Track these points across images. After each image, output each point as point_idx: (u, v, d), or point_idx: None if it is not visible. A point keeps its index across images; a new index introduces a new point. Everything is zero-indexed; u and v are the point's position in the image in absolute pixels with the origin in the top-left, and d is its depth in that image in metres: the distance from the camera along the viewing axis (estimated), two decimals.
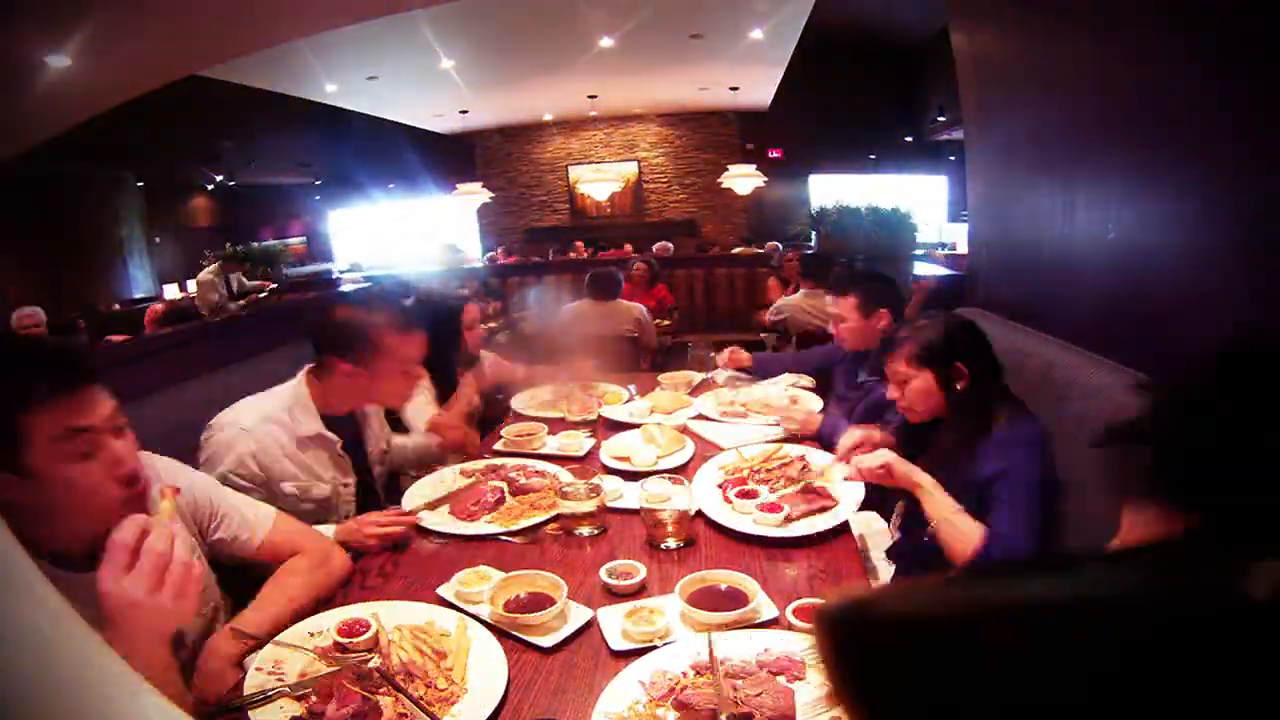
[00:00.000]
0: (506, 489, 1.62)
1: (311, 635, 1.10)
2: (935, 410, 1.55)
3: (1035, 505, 1.37)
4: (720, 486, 1.60)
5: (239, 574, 1.30)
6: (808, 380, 2.35)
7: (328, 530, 1.42)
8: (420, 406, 2.12)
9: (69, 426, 0.92)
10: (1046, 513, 1.39)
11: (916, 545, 1.50)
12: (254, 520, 1.28)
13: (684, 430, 1.96)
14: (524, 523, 1.49)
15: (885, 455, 1.46)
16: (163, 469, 1.18)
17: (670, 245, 7.39)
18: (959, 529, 1.36)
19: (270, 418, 1.51)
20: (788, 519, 1.41)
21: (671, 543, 1.37)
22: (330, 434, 1.57)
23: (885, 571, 1.60)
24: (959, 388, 1.51)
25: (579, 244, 8.46)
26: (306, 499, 1.53)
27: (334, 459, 1.60)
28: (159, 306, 4.10)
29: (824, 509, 1.48)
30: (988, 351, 1.55)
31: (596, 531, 1.45)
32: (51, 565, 0.96)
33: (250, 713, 0.94)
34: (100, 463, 0.95)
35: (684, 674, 0.98)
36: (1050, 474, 1.43)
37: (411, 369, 1.62)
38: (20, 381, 0.91)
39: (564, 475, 1.59)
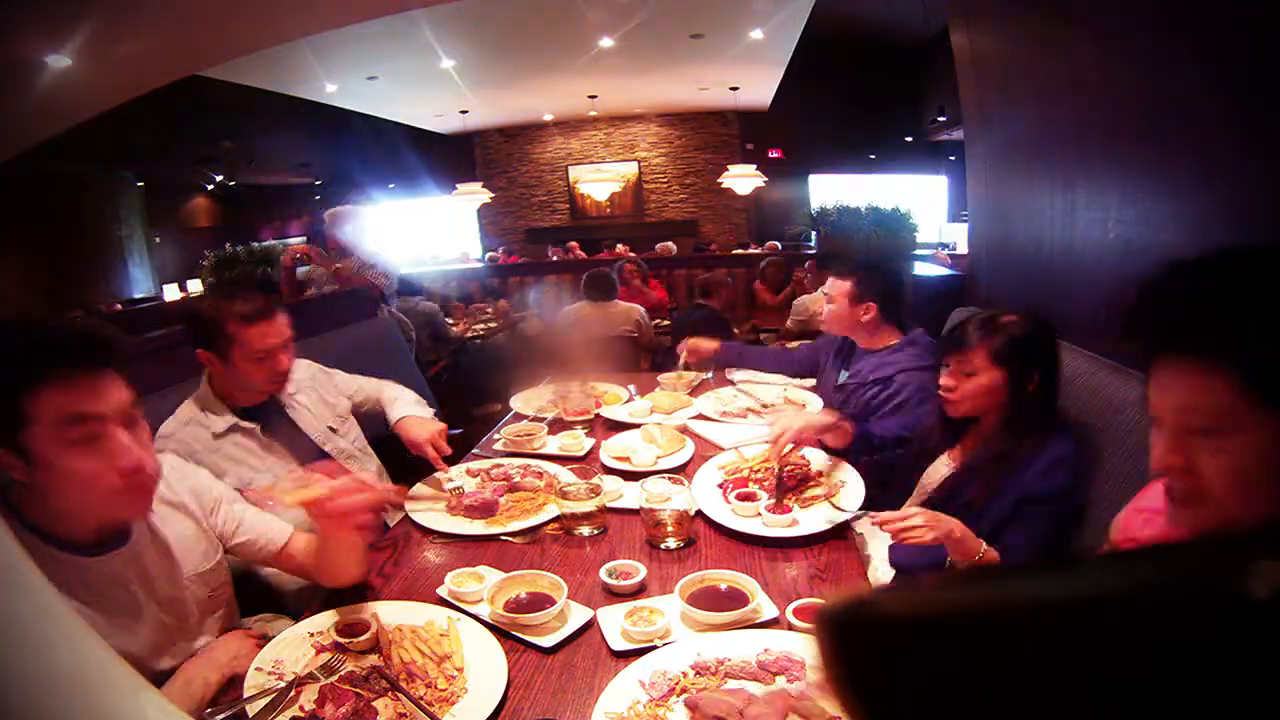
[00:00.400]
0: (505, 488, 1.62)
1: (311, 635, 1.10)
2: (984, 410, 1.48)
3: (1053, 532, 1.36)
4: (720, 487, 1.60)
5: (242, 578, 1.31)
6: (807, 382, 2.35)
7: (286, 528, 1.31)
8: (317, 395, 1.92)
9: (71, 412, 0.90)
10: (1065, 527, 1.39)
11: (931, 558, 1.42)
12: (273, 530, 1.27)
13: (684, 430, 1.96)
14: (524, 523, 1.49)
15: (930, 519, 1.27)
16: (170, 469, 1.18)
17: (673, 246, 7.39)
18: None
19: (187, 420, 1.54)
20: (794, 522, 1.40)
21: (671, 543, 1.37)
22: (245, 422, 1.58)
23: (885, 571, 1.60)
24: (1028, 391, 1.43)
25: (573, 245, 8.45)
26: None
27: (265, 447, 1.59)
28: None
29: (826, 496, 1.50)
30: (1056, 359, 1.47)
31: (597, 531, 1.45)
32: (59, 549, 0.96)
33: (247, 708, 0.94)
34: (103, 452, 0.92)
35: (684, 674, 0.98)
36: (1084, 493, 1.41)
37: (267, 358, 1.56)
38: (26, 361, 0.90)
39: (564, 475, 1.59)
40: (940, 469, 1.59)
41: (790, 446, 1.60)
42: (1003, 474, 1.40)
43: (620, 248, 7.99)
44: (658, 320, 4.46)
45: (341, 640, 1.07)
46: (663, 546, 1.37)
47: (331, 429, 1.79)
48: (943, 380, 1.53)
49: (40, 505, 0.95)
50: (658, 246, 7.29)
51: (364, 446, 1.88)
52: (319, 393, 1.82)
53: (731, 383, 2.39)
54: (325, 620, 1.13)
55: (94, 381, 0.92)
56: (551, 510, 1.51)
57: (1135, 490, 1.04)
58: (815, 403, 2.15)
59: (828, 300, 2.15)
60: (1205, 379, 0.56)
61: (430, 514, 1.53)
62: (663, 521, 1.36)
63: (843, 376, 2.15)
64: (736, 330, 4.47)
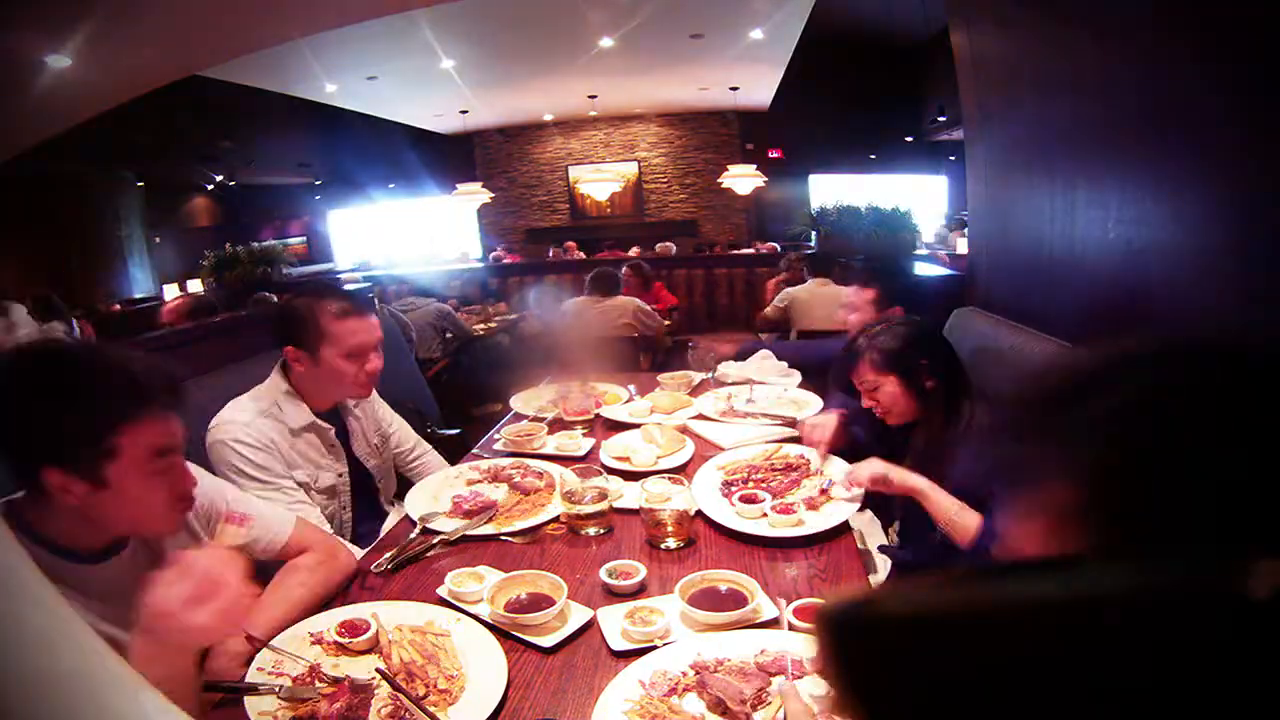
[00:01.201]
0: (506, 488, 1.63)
1: (311, 635, 1.10)
2: (911, 413, 1.59)
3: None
4: (724, 486, 1.60)
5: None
6: (796, 376, 2.35)
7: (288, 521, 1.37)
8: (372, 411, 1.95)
9: (161, 445, 0.97)
10: None
11: (931, 548, 1.48)
12: (277, 523, 1.29)
13: (684, 430, 1.96)
14: (524, 523, 1.49)
15: (876, 466, 1.47)
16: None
17: (673, 246, 7.39)
18: (966, 526, 1.37)
19: (262, 412, 1.54)
20: (799, 522, 1.41)
21: (671, 543, 1.37)
22: (323, 423, 1.62)
23: (885, 569, 1.60)
24: (928, 387, 1.55)
25: (571, 244, 8.45)
26: (315, 488, 1.57)
27: (329, 448, 1.63)
28: (178, 302, 4.12)
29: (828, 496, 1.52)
30: (942, 343, 1.61)
31: (603, 531, 1.45)
32: (59, 558, 0.98)
33: (247, 707, 0.94)
34: (171, 483, 1.00)
35: (684, 674, 0.98)
36: None
37: (358, 356, 1.58)
38: (115, 399, 0.95)
39: (565, 475, 1.59)
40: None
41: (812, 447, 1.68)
42: (940, 462, 1.49)
43: (634, 250, 7.98)
44: (667, 321, 4.46)
45: (342, 640, 1.07)
46: (663, 546, 1.36)
47: (376, 446, 1.82)
48: (864, 403, 1.64)
49: (59, 521, 0.97)
50: (657, 247, 7.30)
51: (391, 470, 1.90)
52: (367, 409, 1.83)
53: (723, 383, 2.40)
54: (325, 620, 1.13)
55: (175, 418, 1.01)
56: (552, 510, 1.51)
57: None
58: (815, 404, 2.15)
59: (851, 309, 2.20)
60: None
61: (433, 514, 1.53)
62: (663, 521, 1.36)
63: None
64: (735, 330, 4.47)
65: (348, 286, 5.92)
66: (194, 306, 3.99)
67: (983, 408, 1.53)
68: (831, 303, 3.88)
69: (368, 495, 1.78)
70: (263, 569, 1.28)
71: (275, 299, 5.15)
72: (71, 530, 0.99)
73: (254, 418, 1.52)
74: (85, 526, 0.99)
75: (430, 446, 2.00)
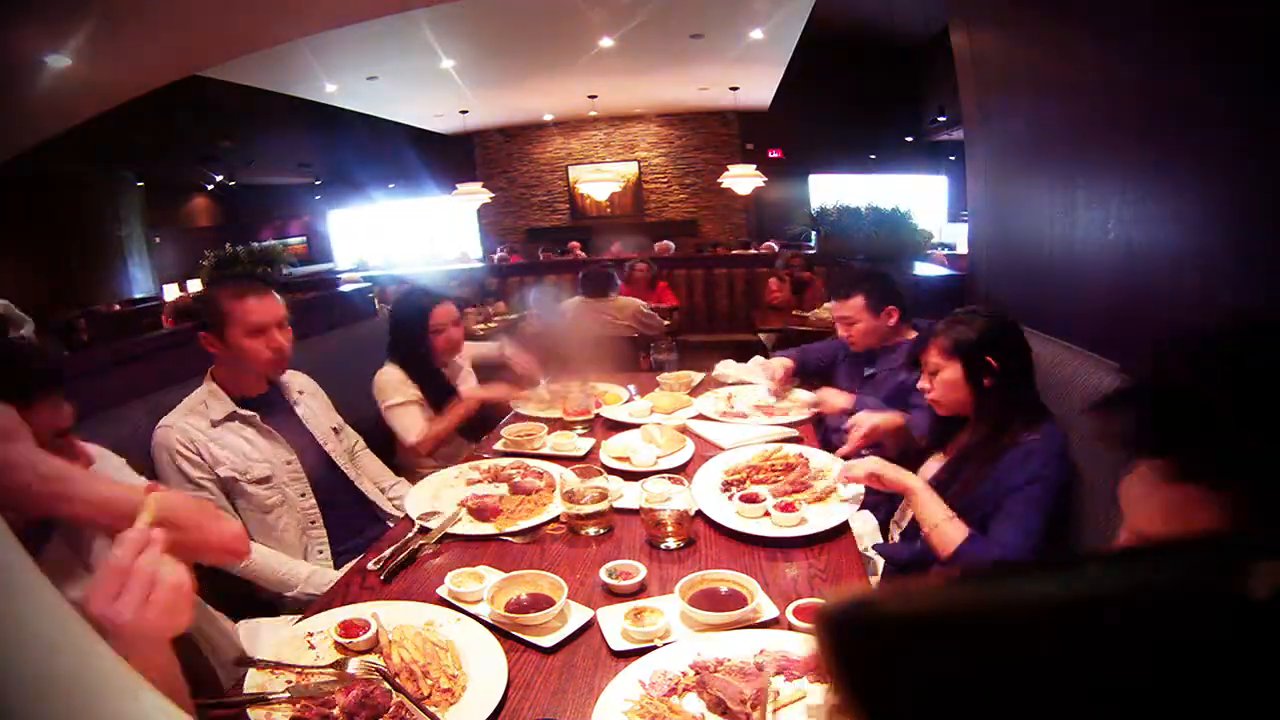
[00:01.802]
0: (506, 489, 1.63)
1: (311, 635, 1.10)
2: (961, 406, 1.54)
3: (1040, 522, 1.35)
4: (723, 486, 1.60)
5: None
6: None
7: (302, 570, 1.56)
8: (408, 419, 2.13)
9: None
10: (1057, 516, 1.39)
11: (912, 552, 1.51)
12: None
13: (684, 430, 1.96)
14: (524, 523, 1.49)
15: (872, 463, 1.46)
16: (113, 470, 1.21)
17: (671, 245, 7.40)
18: (947, 536, 1.36)
19: (189, 409, 1.61)
20: (802, 520, 1.41)
21: (671, 543, 1.37)
22: (244, 410, 1.64)
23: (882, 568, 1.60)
24: (985, 384, 1.48)
25: (574, 245, 8.46)
26: (249, 480, 1.59)
27: (264, 435, 1.65)
28: (181, 301, 4.11)
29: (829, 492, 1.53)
30: (1023, 352, 1.52)
31: (602, 531, 1.45)
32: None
33: (249, 711, 0.94)
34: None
35: (684, 674, 0.98)
36: (1068, 479, 1.42)
37: (259, 332, 1.63)
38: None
39: (565, 475, 1.60)
40: (930, 467, 1.62)
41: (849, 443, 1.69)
42: (981, 466, 1.44)
43: (615, 246, 7.99)
44: (667, 321, 4.45)
45: (342, 640, 1.07)
46: (662, 546, 1.37)
47: (335, 430, 1.86)
48: (920, 383, 1.60)
49: None
50: (656, 246, 7.29)
51: (353, 459, 1.92)
52: (321, 401, 1.89)
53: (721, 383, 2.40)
54: (325, 620, 1.13)
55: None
56: (552, 510, 1.51)
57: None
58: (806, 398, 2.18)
59: (848, 323, 2.20)
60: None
61: (432, 514, 1.54)
62: (663, 521, 1.36)
63: (867, 370, 2.26)
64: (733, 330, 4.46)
65: (346, 287, 5.93)
66: (180, 309, 3.97)
67: (1045, 425, 1.44)
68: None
69: (340, 481, 1.79)
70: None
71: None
72: None
73: (180, 418, 1.58)
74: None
75: (367, 449, 2.03)
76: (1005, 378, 1.47)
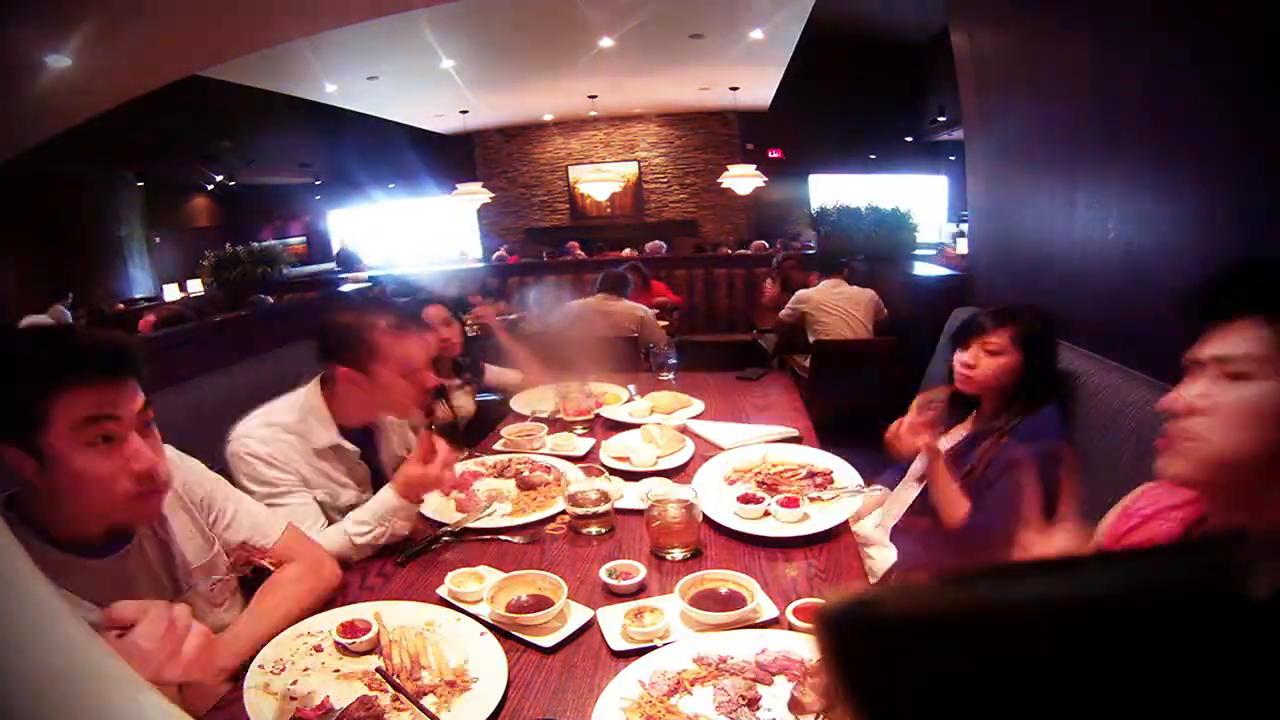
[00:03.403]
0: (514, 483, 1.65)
1: (311, 635, 1.10)
2: (992, 387, 1.64)
3: (1011, 503, 1.40)
4: (724, 485, 1.60)
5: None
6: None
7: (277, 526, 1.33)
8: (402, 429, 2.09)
9: (90, 415, 0.92)
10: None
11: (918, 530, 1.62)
12: (265, 526, 1.26)
13: (684, 430, 1.96)
14: (527, 518, 1.50)
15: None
16: (174, 461, 1.18)
17: (663, 245, 7.39)
18: (955, 505, 1.51)
19: (285, 427, 1.48)
20: (805, 517, 1.41)
21: (678, 553, 1.33)
22: (348, 444, 1.54)
23: (883, 564, 1.60)
24: (1032, 372, 1.61)
25: (573, 244, 8.45)
26: (335, 508, 1.51)
27: (351, 470, 1.57)
28: (151, 317, 4.06)
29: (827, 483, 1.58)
30: (1056, 348, 1.68)
31: (604, 531, 1.44)
32: (63, 552, 0.97)
33: (247, 708, 0.94)
34: (118, 455, 0.94)
35: (683, 673, 0.98)
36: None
37: (413, 373, 1.54)
38: (49, 366, 0.92)
39: (570, 472, 1.60)
40: (941, 444, 1.68)
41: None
42: (1002, 441, 1.56)
43: (627, 251, 7.98)
44: (659, 322, 4.44)
45: (342, 641, 1.07)
46: (668, 557, 1.33)
47: (402, 458, 1.75)
48: (963, 358, 1.67)
49: (49, 509, 0.96)
50: (647, 247, 7.29)
51: None
52: (399, 436, 1.78)
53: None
54: (326, 621, 1.13)
55: (115, 387, 0.95)
56: (560, 504, 1.52)
57: (1128, 487, 1.04)
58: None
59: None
60: (1257, 334, 0.76)
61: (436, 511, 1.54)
62: (671, 530, 1.33)
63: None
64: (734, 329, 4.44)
65: (346, 287, 5.93)
66: (163, 319, 3.97)
67: (1052, 408, 1.58)
68: (847, 305, 3.85)
69: None
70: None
71: (272, 300, 5.15)
72: (66, 520, 0.97)
73: (273, 434, 1.47)
74: (72, 514, 0.97)
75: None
76: (1046, 369, 1.63)
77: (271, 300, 5.21)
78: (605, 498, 1.45)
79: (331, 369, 1.51)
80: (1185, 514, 0.90)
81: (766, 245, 7.21)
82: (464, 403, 2.40)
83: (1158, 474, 0.84)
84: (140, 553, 1.06)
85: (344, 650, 1.06)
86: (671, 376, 2.46)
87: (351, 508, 1.51)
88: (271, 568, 1.19)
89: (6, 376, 0.92)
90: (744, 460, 1.71)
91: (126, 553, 1.04)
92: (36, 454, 0.91)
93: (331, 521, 1.46)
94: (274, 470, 1.43)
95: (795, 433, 1.94)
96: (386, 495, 1.42)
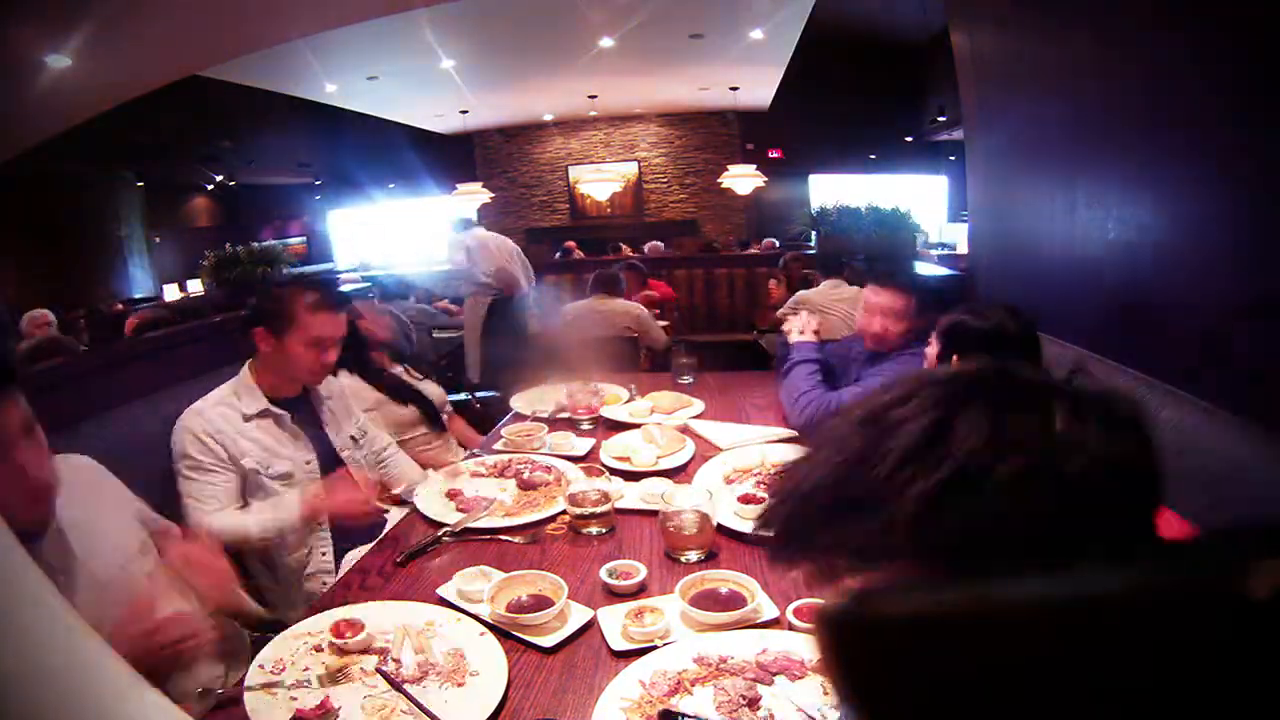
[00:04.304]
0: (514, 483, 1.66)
1: (311, 635, 1.10)
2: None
3: None
4: (727, 481, 1.61)
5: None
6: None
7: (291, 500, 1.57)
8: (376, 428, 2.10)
9: None
10: None
11: None
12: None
13: (685, 430, 1.95)
14: (527, 518, 1.50)
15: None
16: (81, 467, 1.23)
17: (661, 245, 7.38)
18: None
19: (219, 400, 1.63)
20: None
21: (693, 555, 1.32)
22: (276, 409, 1.66)
23: None
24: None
25: (571, 244, 8.44)
26: (270, 474, 1.61)
27: (290, 435, 1.67)
28: (134, 320, 4.05)
29: None
30: (986, 348, 1.57)
31: (605, 531, 1.44)
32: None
33: (247, 707, 0.94)
34: (4, 470, 0.96)
35: (683, 673, 0.98)
36: None
37: (323, 346, 1.65)
38: None
39: (570, 473, 1.60)
40: None
41: None
42: None
43: (624, 249, 7.97)
44: (658, 321, 4.44)
45: (337, 641, 1.07)
46: (683, 560, 1.32)
47: (354, 438, 1.86)
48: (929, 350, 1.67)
49: None
50: (646, 247, 7.28)
51: (373, 466, 1.92)
52: (346, 405, 1.90)
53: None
54: (326, 620, 1.13)
55: None
56: (561, 504, 1.52)
57: None
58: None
59: (879, 312, 2.00)
60: None
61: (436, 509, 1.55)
62: (685, 534, 1.32)
63: (861, 375, 2.14)
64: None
65: (347, 287, 5.92)
66: (142, 323, 3.95)
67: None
68: (847, 306, 3.84)
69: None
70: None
71: None
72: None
73: (210, 406, 1.61)
74: None
75: (399, 449, 2.05)
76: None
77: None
78: (606, 498, 1.45)
79: (252, 333, 1.64)
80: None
81: (776, 243, 7.19)
82: (430, 389, 2.42)
83: None
84: (55, 544, 1.08)
85: (341, 650, 1.06)
86: (690, 379, 2.45)
87: (287, 475, 1.64)
88: None
89: None
90: (744, 461, 1.71)
91: (42, 544, 1.06)
92: None
93: (263, 488, 1.60)
94: (199, 445, 1.56)
95: (794, 432, 1.94)
96: (291, 507, 1.56)
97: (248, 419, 1.63)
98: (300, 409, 1.73)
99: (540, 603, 1.15)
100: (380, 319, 2.44)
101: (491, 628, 1.11)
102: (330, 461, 1.75)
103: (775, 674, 0.97)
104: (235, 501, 1.58)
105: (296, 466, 1.66)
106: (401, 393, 2.24)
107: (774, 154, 9.99)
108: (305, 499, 1.56)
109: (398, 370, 2.39)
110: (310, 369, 1.68)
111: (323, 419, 1.79)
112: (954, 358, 1.51)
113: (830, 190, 8.13)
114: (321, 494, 1.57)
